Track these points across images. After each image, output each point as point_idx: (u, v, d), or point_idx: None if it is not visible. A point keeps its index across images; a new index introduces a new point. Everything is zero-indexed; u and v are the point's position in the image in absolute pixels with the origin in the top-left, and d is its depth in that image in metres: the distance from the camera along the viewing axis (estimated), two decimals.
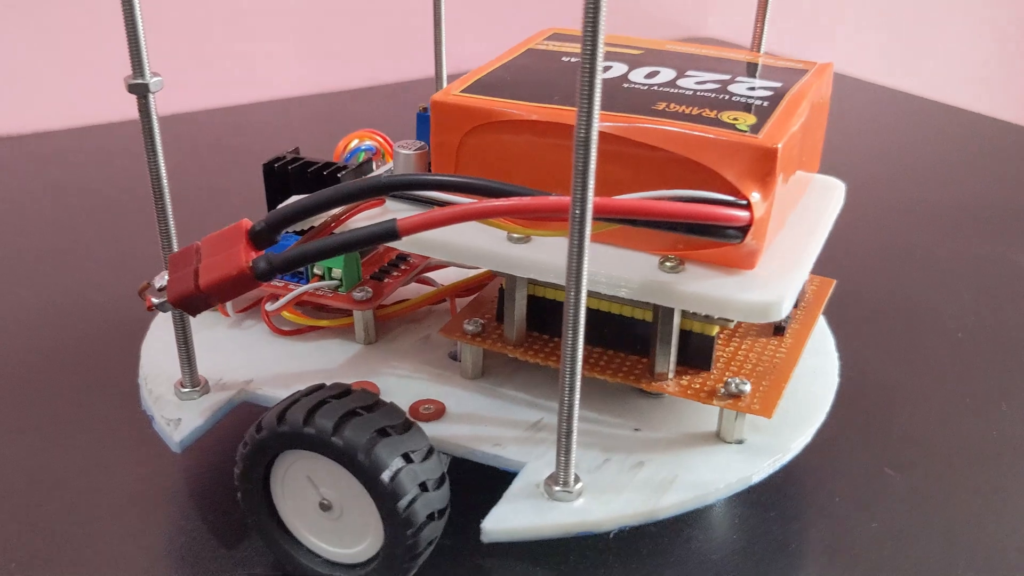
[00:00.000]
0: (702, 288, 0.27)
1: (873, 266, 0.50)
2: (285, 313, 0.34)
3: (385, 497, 0.27)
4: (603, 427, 0.30)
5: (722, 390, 0.29)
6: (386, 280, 0.35)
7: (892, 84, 0.80)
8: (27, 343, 0.41)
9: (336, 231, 0.31)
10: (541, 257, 0.29)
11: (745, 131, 0.27)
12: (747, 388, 0.29)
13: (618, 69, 0.32)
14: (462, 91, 0.30)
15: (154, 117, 0.28)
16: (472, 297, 0.35)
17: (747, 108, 0.29)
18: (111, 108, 0.65)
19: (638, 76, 0.31)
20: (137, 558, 0.30)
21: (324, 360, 0.34)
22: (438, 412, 0.31)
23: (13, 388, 0.38)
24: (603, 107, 0.28)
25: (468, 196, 0.27)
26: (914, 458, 0.35)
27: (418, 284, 0.37)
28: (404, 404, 0.31)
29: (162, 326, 0.36)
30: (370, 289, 0.34)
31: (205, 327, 0.35)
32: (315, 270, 0.34)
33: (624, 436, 0.30)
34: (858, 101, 0.76)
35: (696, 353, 0.30)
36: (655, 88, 0.30)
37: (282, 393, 0.31)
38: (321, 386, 0.29)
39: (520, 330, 0.31)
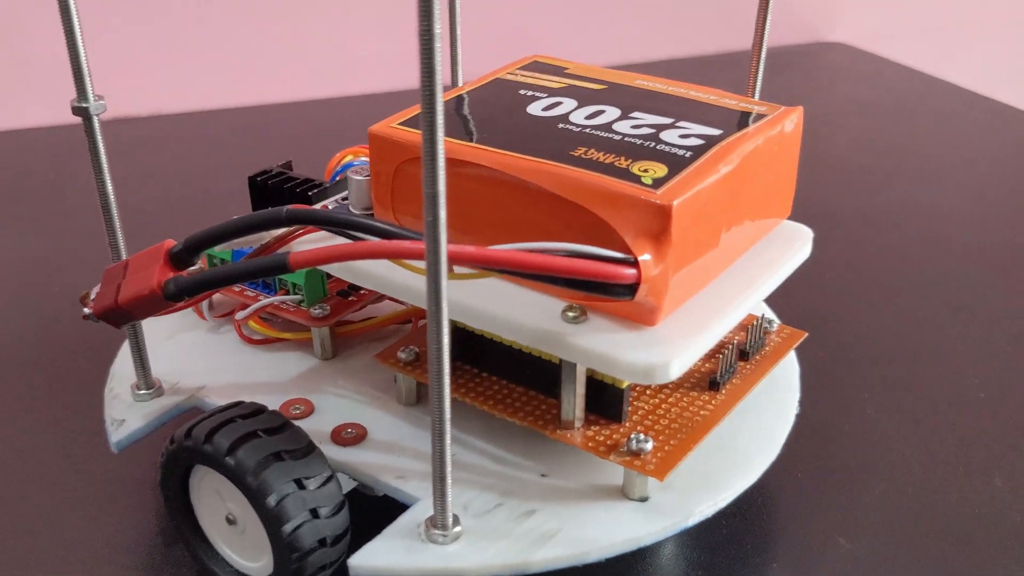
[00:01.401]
0: (591, 343, 0.27)
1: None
2: (251, 323, 0.36)
3: (270, 520, 0.28)
4: (511, 469, 0.30)
5: (624, 446, 0.29)
6: (351, 298, 0.36)
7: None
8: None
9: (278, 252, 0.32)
10: (459, 297, 0.29)
11: (648, 184, 0.27)
12: (648, 446, 0.28)
13: (566, 106, 0.31)
14: (401, 123, 0.31)
15: (98, 138, 0.30)
16: (423, 322, 0.35)
17: (665, 158, 0.28)
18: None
19: (579, 116, 0.30)
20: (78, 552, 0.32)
21: (279, 373, 0.35)
22: (359, 437, 0.32)
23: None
24: (520, 149, 0.28)
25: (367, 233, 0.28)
26: (876, 529, 0.33)
27: (393, 302, 0.38)
28: (331, 425, 0.32)
29: (148, 326, 0.38)
30: (328, 307, 0.35)
31: (184, 329, 0.37)
32: (282, 283, 0.36)
33: (527, 481, 0.30)
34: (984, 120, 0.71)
35: (608, 404, 0.30)
36: (586, 131, 0.30)
37: (224, 402, 0.32)
38: (239, 403, 0.31)
39: None
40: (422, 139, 0.22)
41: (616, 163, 0.28)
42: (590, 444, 0.29)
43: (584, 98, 0.32)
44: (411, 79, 0.34)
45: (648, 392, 0.31)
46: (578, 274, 0.25)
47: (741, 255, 0.31)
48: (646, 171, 0.27)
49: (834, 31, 0.88)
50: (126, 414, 0.33)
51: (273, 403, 0.33)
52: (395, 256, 0.26)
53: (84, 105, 0.29)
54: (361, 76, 0.73)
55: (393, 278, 0.29)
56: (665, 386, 0.31)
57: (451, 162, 0.29)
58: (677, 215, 0.26)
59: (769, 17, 0.35)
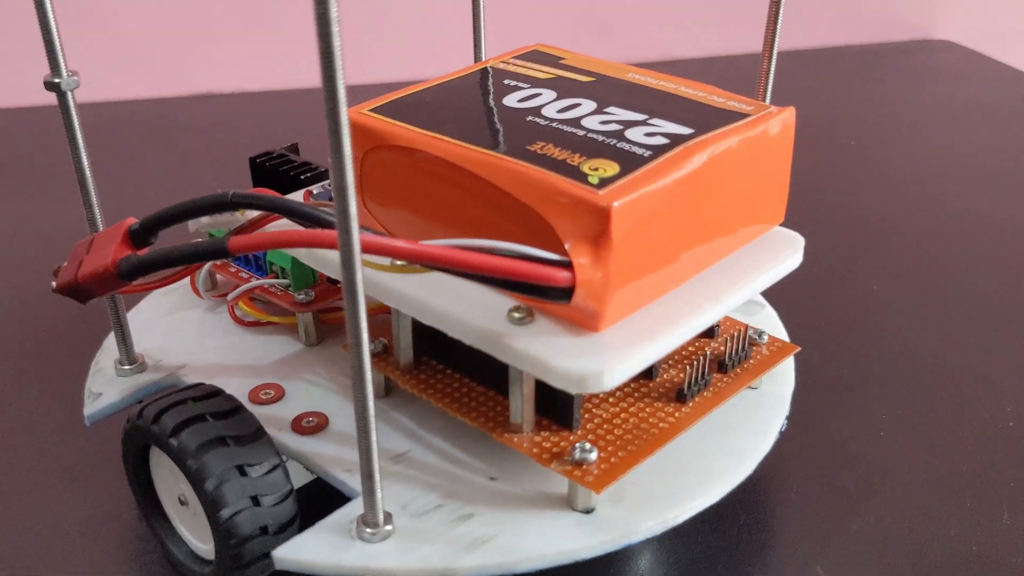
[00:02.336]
0: (528, 346, 0.26)
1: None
2: (241, 304, 0.36)
3: (209, 504, 0.28)
4: (461, 470, 0.29)
5: (568, 455, 0.27)
6: (339, 284, 0.36)
7: None
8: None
9: (263, 229, 0.32)
10: (409, 291, 0.28)
11: (593, 184, 0.25)
12: (592, 456, 0.27)
13: (543, 98, 0.30)
14: (373, 109, 0.30)
15: (73, 113, 0.30)
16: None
17: (622, 157, 0.26)
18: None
19: (552, 109, 0.29)
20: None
21: (262, 356, 0.35)
22: (319, 426, 0.31)
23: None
24: (477, 140, 0.27)
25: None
26: (859, 560, 0.31)
27: None
28: (295, 412, 0.32)
29: (148, 303, 0.38)
30: (313, 293, 0.35)
31: (183, 308, 0.38)
32: (272, 266, 0.36)
33: (475, 483, 0.29)
34: None
35: (560, 410, 0.28)
36: (552, 124, 0.28)
37: (202, 382, 0.32)
38: (198, 385, 0.31)
39: (407, 356, 0.31)
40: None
41: (569, 160, 0.26)
42: (535, 450, 0.28)
43: (566, 90, 0.31)
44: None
45: (611, 399, 0.30)
46: (510, 275, 0.24)
47: (716, 261, 0.29)
48: (596, 170, 0.26)
49: (941, 28, 0.83)
50: (104, 388, 0.34)
51: (247, 386, 0.33)
52: (313, 245, 0.25)
53: (56, 80, 0.30)
54: (398, 63, 0.73)
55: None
56: (629, 394, 0.30)
57: (405, 151, 0.28)
58: (618, 217, 0.25)
59: (781, 14, 0.32)
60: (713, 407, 0.30)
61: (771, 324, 0.35)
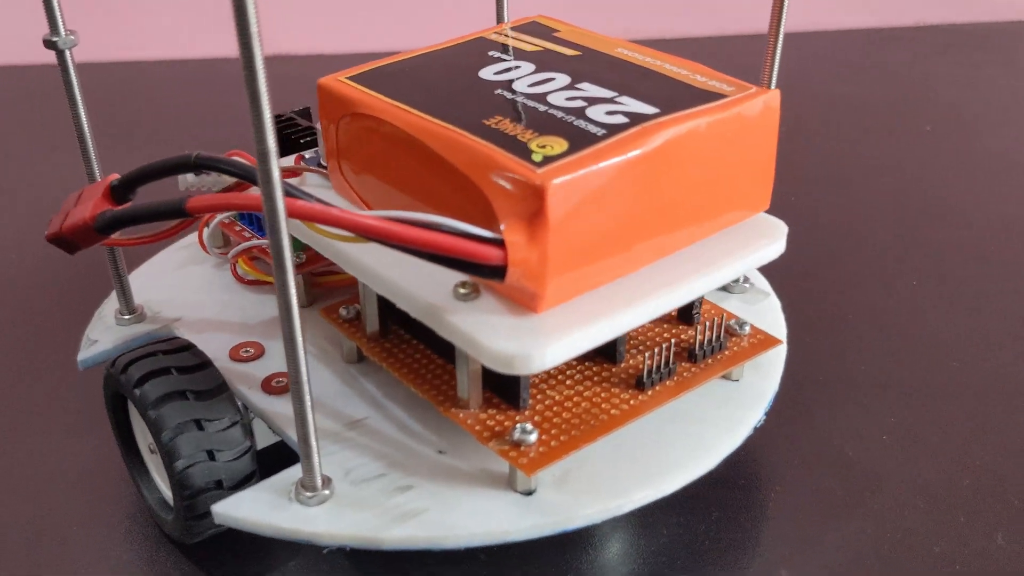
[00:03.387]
0: (465, 323, 0.25)
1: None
2: (240, 263, 0.37)
3: (165, 455, 0.29)
4: (412, 440, 0.29)
5: (508, 435, 0.27)
6: None
7: None
8: None
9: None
10: (364, 259, 0.28)
11: (536, 162, 0.25)
12: (532, 438, 0.27)
13: (519, 72, 0.30)
14: (350, 77, 0.30)
15: (71, 71, 0.31)
16: None
17: (575, 135, 0.26)
18: None
19: (524, 83, 0.29)
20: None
21: (254, 314, 0.35)
22: (288, 387, 0.31)
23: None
24: (438, 112, 0.27)
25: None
26: (822, 571, 0.30)
27: None
28: (268, 371, 0.32)
29: (161, 257, 0.39)
30: (304, 255, 0.35)
31: (194, 263, 0.39)
32: None
33: (422, 455, 0.29)
34: None
35: (508, 388, 0.28)
36: (518, 98, 0.28)
37: (191, 336, 0.33)
38: (173, 339, 0.31)
39: (373, 325, 0.31)
40: (247, 93, 0.22)
41: (520, 136, 0.26)
42: (477, 427, 0.27)
43: (545, 64, 0.30)
44: None
45: (568, 382, 0.29)
46: (441, 249, 0.24)
47: (685, 246, 0.28)
48: (544, 147, 0.25)
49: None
50: (101, 335, 0.35)
51: (231, 342, 0.34)
52: (251, 209, 0.25)
53: (54, 39, 0.31)
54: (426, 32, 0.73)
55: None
56: (588, 377, 0.29)
57: (371, 119, 0.28)
58: (554, 197, 0.24)
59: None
60: (673, 397, 0.29)
61: (770, 315, 0.34)
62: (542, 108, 0.27)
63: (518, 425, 0.27)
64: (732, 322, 0.31)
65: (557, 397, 0.29)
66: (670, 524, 0.31)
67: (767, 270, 0.36)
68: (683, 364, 0.30)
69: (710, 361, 0.30)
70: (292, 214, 0.24)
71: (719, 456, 0.29)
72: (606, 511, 0.27)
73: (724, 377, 0.31)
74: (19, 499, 0.33)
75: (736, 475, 0.33)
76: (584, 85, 0.28)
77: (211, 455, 0.29)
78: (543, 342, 0.25)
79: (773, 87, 0.28)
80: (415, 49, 0.32)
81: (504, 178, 0.25)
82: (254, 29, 0.21)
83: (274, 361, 0.33)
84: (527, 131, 0.26)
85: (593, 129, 0.26)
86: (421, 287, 0.27)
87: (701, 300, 0.31)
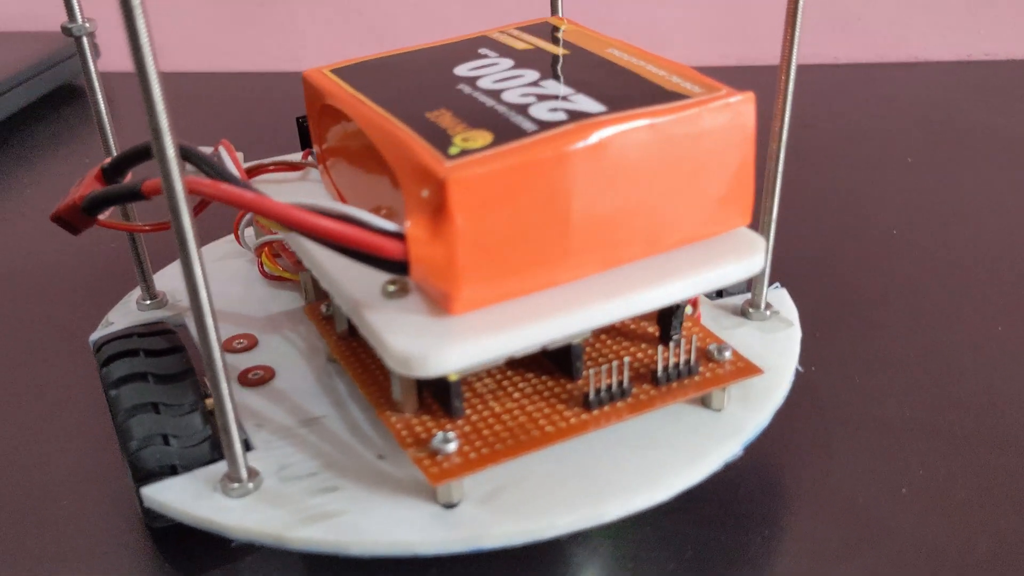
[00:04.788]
0: (375, 319, 0.25)
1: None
2: (263, 258, 0.37)
3: (120, 435, 0.29)
4: (357, 442, 0.28)
5: (429, 442, 0.26)
6: None
7: None
8: None
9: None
10: (313, 250, 0.28)
11: (452, 155, 0.24)
12: (450, 447, 0.25)
13: (496, 68, 0.29)
14: (334, 69, 0.30)
15: (88, 57, 0.33)
16: None
17: (505, 130, 0.24)
18: None
19: (490, 80, 0.28)
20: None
21: (263, 308, 0.36)
22: (263, 380, 0.32)
23: None
24: (390, 104, 0.27)
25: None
26: None
27: None
28: (246, 364, 0.32)
29: (210, 250, 0.40)
30: None
31: (231, 256, 0.39)
32: None
33: (361, 458, 0.28)
34: None
35: (442, 394, 0.27)
36: (472, 94, 0.27)
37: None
38: (158, 323, 0.32)
39: (343, 323, 0.30)
40: (136, 72, 0.22)
41: (451, 129, 0.25)
42: (404, 432, 0.26)
43: (523, 62, 0.29)
44: None
45: (516, 394, 0.28)
46: (341, 240, 0.23)
47: (639, 258, 0.26)
48: (467, 140, 0.24)
49: None
50: (119, 318, 0.36)
51: (228, 333, 0.34)
52: (195, 193, 0.25)
53: (70, 26, 0.32)
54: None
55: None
56: (537, 391, 0.28)
57: (337, 110, 0.28)
58: (457, 191, 0.23)
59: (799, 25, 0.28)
60: (620, 419, 0.27)
61: (782, 347, 0.31)
62: (490, 104, 0.26)
63: (440, 433, 0.26)
64: (712, 346, 0.29)
65: (497, 409, 0.27)
66: (640, 559, 0.29)
67: (813, 301, 0.34)
68: (644, 386, 0.28)
69: (675, 385, 0.28)
70: (194, 191, 0.24)
71: (671, 489, 0.27)
72: (525, 533, 0.25)
73: (704, 405, 0.29)
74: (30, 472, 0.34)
75: (725, 514, 0.30)
76: (547, 83, 0.27)
77: (165, 439, 0.29)
78: (442, 345, 0.23)
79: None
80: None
81: (416, 170, 0.24)
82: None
83: (261, 355, 0.33)
84: (460, 124, 0.25)
85: (526, 125, 0.24)
86: (353, 281, 0.26)
87: (680, 319, 0.29)
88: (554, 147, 0.24)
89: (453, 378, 0.26)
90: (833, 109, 0.62)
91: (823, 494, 0.31)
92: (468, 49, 0.30)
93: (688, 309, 0.30)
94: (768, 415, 0.29)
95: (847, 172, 0.53)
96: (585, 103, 0.25)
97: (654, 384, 0.28)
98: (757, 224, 0.31)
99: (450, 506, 0.26)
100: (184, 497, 0.27)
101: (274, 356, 0.33)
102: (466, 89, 0.27)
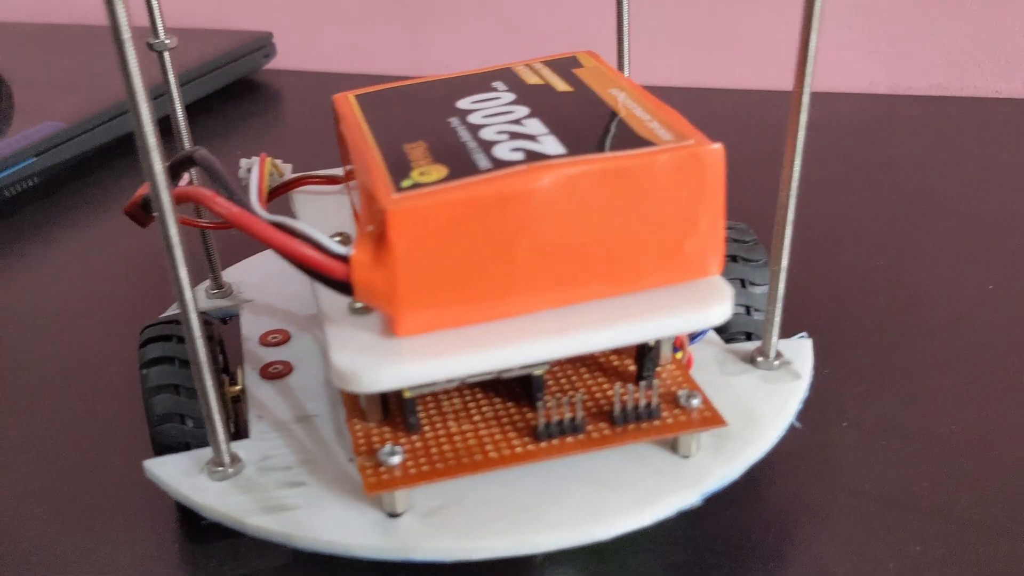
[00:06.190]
0: (330, 333, 0.26)
1: None
2: None
3: (145, 410, 0.32)
4: (334, 443, 0.30)
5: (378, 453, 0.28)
6: None
7: None
8: None
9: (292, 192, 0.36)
10: None
11: (403, 187, 0.25)
12: (394, 460, 0.27)
13: (497, 102, 0.30)
14: (357, 95, 0.32)
15: (169, 71, 0.36)
16: None
17: (461, 166, 0.26)
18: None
19: (481, 115, 0.29)
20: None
21: (310, 306, 0.38)
22: (282, 374, 0.34)
23: None
24: (381, 134, 0.29)
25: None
26: None
27: None
28: (272, 358, 0.35)
29: None
30: None
31: None
32: None
33: (333, 458, 0.30)
34: None
35: (402, 408, 0.28)
36: (455, 128, 0.28)
37: (249, 316, 0.37)
38: (201, 314, 0.35)
39: None
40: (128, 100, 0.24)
41: (416, 162, 0.26)
42: (361, 439, 0.28)
43: (523, 98, 0.30)
44: None
45: (476, 417, 0.29)
46: (292, 256, 0.25)
47: (596, 298, 0.27)
48: (424, 174, 0.26)
49: None
50: None
51: (267, 327, 0.37)
52: (191, 201, 0.28)
53: (152, 42, 0.35)
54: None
55: None
56: (496, 416, 0.29)
57: (341, 135, 0.30)
58: (397, 222, 0.24)
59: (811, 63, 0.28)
60: (565, 454, 0.27)
61: (779, 400, 0.31)
62: (465, 139, 0.27)
63: (388, 445, 0.27)
64: (682, 392, 0.29)
65: (453, 429, 0.28)
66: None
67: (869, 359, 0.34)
68: (600, 424, 0.28)
69: (631, 427, 0.28)
70: (190, 198, 0.26)
71: (612, 529, 0.27)
72: (454, 551, 0.26)
73: (672, 450, 0.29)
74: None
75: (694, 562, 0.30)
76: (529, 121, 0.28)
77: (182, 419, 0.32)
78: (378, 364, 0.25)
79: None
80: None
81: (368, 198, 0.25)
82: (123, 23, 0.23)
83: (288, 350, 0.35)
84: (426, 157, 0.26)
85: (482, 163, 0.26)
86: (328, 295, 0.28)
87: (654, 360, 0.29)
88: (496, 187, 0.25)
89: (407, 395, 0.28)
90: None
91: (797, 567, 0.30)
92: (483, 81, 0.31)
93: (671, 352, 0.30)
94: (738, 469, 0.29)
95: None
96: (550, 145, 0.26)
97: (611, 423, 0.28)
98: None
99: (394, 515, 0.27)
100: (175, 473, 0.30)
101: (298, 353, 0.35)
102: (454, 123, 0.28)
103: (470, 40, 0.79)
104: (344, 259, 0.25)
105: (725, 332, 0.35)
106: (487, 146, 0.27)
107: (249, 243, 0.33)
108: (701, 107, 0.66)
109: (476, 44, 0.78)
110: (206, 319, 0.34)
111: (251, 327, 0.37)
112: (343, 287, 0.25)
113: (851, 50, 0.68)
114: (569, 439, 0.28)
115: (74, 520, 0.33)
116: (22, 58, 0.77)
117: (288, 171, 0.36)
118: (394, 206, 0.24)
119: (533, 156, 0.26)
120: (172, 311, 0.39)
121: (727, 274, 0.34)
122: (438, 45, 0.80)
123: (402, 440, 0.28)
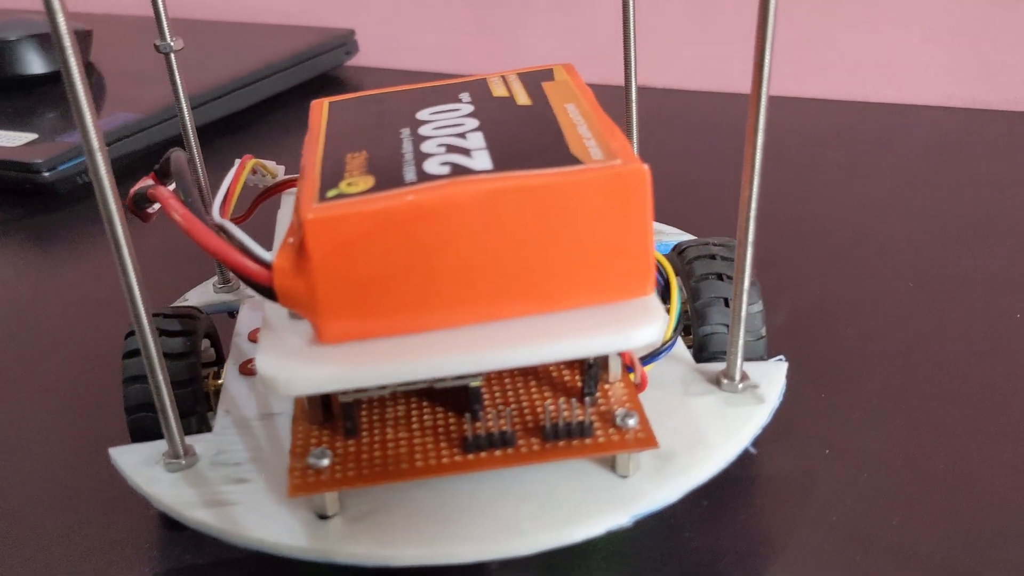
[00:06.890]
0: (263, 337, 0.27)
1: None
2: None
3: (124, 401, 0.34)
4: (288, 441, 0.31)
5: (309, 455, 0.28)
6: None
7: None
8: None
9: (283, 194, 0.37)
10: None
11: (327, 197, 0.26)
12: (323, 463, 0.28)
13: (452, 115, 0.30)
14: (332, 102, 0.33)
15: (176, 72, 0.37)
16: None
17: (389, 179, 0.26)
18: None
19: (432, 127, 0.29)
20: None
21: None
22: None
23: None
24: (332, 145, 0.29)
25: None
26: None
27: None
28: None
29: None
30: None
31: None
32: None
33: (282, 457, 0.30)
34: None
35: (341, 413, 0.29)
36: (402, 140, 0.28)
37: (248, 312, 0.38)
38: (195, 308, 0.36)
39: None
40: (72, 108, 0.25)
41: (349, 172, 0.27)
42: (299, 440, 0.29)
43: (479, 111, 0.30)
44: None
45: (415, 426, 0.29)
46: (223, 260, 0.26)
47: (523, 314, 0.27)
48: (351, 184, 0.26)
49: None
50: (194, 297, 0.41)
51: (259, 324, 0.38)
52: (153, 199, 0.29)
53: (158, 44, 0.37)
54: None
55: None
56: (434, 427, 0.29)
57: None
58: (313, 231, 0.25)
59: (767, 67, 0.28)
60: (490, 468, 0.27)
61: (737, 424, 0.30)
62: (405, 150, 0.28)
63: (319, 448, 0.28)
64: (620, 411, 0.28)
65: (389, 436, 0.29)
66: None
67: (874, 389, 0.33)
68: (532, 439, 0.28)
69: (562, 444, 0.28)
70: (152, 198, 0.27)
71: (535, 546, 0.27)
72: (372, 557, 0.27)
73: (611, 469, 0.29)
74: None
75: None
76: (473, 135, 0.28)
77: (151, 409, 0.33)
78: (297, 370, 0.26)
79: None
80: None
81: (296, 206, 0.26)
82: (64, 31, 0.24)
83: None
84: (361, 168, 0.27)
85: (409, 176, 0.26)
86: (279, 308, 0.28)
87: (594, 377, 0.29)
88: (413, 201, 0.25)
89: (342, 400, 0.28)
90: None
91: None
92: (452, 93, 0.32)
93: (620, 369, 0.30)
94: (676, 493, 0.28)
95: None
96: (480, 160, 0.26)
97: (542, 439, 0.28)
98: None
99: (324, 517, 0.28)
100: (133, 462, 0.31)
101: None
102: (404, 133, 0.29)
103: (549, 41, 0.79)
104: (267, 265, 0.26)
105: (708, 351, 0.34)
106: (421, 159, 0.27)
107: (256, 239, 0.35)
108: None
109: (555, 45, 0.78)
110: (195, 313, 0.36)
111: (245, 323, 0.38)
112: (266, 292, 0.26)
113: (926, 61, 0.66)
114: (498, 452, 0.28)
115: (58, 503, 0.35)
116: (111, 48, 0.81)
117: (281, 173, 0.37)
118: (312, 215, 0.25)
119: (458, 170, 0.26)
120: (179, 303, 0.41)
121: (710, 292, 0.33)
122: (516, 45, 0.80)
123: (338, 444, 0.29)
